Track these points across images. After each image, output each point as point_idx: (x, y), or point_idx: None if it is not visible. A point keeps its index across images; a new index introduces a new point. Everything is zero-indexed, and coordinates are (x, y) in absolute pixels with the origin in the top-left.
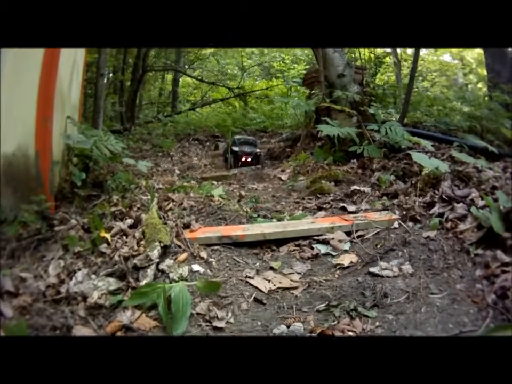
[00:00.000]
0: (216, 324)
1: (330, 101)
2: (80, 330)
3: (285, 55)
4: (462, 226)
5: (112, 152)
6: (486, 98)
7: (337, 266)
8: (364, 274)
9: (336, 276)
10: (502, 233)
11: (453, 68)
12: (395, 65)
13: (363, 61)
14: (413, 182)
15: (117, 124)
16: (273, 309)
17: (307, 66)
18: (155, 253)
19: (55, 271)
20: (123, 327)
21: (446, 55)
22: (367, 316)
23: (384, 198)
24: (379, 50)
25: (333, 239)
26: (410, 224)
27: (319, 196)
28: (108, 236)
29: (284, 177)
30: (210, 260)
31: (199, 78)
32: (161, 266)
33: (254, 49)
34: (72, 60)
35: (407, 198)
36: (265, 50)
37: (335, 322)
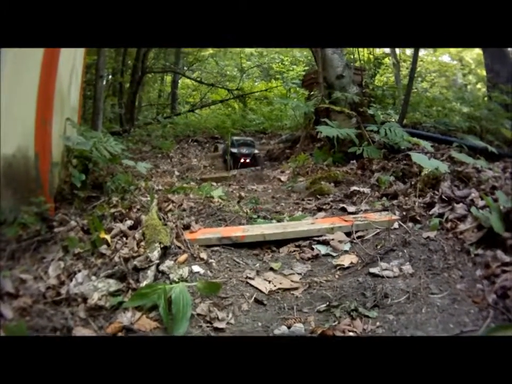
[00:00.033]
0: (217, 324)
1: (330, 102)
2: (81, 332)
3: (284, 56)
4: (462, 227)
5: (111, 153)
6: (485, 98)
7: (338, 267)
8: (364, 275)
9: (337, 276)
10: (502, 233)
11: (452, 69)
12: (394, 66)
13: (362, 62)
14: (412, 182)
15: (116, 126)
16: (273, 310)
17: (306, 68)
18: (155, 254)
19: (55, 273)
20: (123, 328)
21: (445, 56)
22: (367, 316)
23: (384, 198)
24: (378, 51)
25: (333, 239)
26: (410, 224)
27: (318, 196)
28: (107, 237)
29: (283, 178)
30: (211, 260)
31: (198, 79)
32: (162, 268)
33: (253, 50)
34: (72, 62)
35: (406, 198)
36: (264, 51)
37: (336, 322)
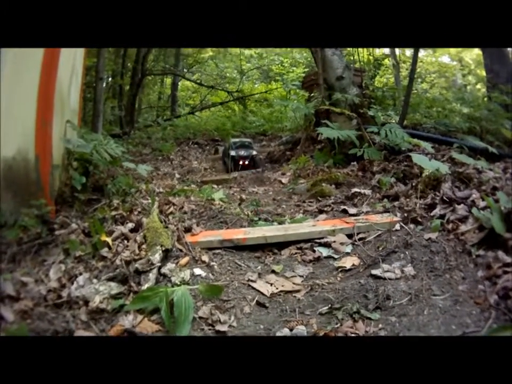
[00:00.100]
0: (219, 327)
1: (330, 103)
2: (82, 335)
3: (283, 58)
4: (463, 228)
5: (112, 156)
6: (485, 99)
7: (339, 269)
8: (366, 277)
9: (339, 278)
10: (503, 234)
11: (451, 69)
12: (394, 67)
13: (362, 63)
14: (413, 184)
15: (116, 128)
16: (275, 312)
17: (306, 69)
18: (157, 257)
19: (56, 275)
20: (125, 331)
21: (445, 57)
22: (370, 318)
23: (385, 200)
24: (378, 52)
25: (334, 241)
26: (412, 226)
27: (319, 198)
28: (108, 240)
29: (284, 180)
30: (212, 263)
31: (198, 81)
32: (163, 270)
33: (252, 52)
34: (71, 64)
35: (408, 200)
36: (264, 53)
37: (338, 325)
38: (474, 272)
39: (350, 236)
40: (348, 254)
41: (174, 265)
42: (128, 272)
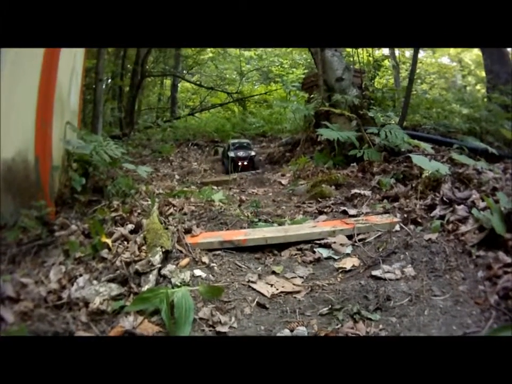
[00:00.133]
0: (220, 328)
1: (330, 104)
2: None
3: (283, 59)
4: (463, 228)
5: (112, 157)
6: (485, 99)
7: (340, 270)
8: (367, 278)
9: (339, 279)
10: (503, 234)
11: (451, 70)
12: (393, 68)
13: (362, 64)
14: (413, 184)
15: (116, 130)
16: (276, 313)
17: (305, 71)
18: (157, 258)
19: (56, 277)
20: (126, 332)
21: (444, 57)
22: (370, 319)
23: (385, 201)
24: (377, 54)
25: (334, 242)
26: (412, 227)
27: (319, 199)
28: (108, 241)
29: (284, 181)
30: (212, 264)
31: (198, 83)
32: (163, 272)
33: (252, 53)
34: (71, 65)
35: (407, 201)
36: (264, 55)
37: (339, 325)
38: (474, 273)
39: (350, 237)
40: (348, 255)
41: (174, 266)
42: (128, 273)
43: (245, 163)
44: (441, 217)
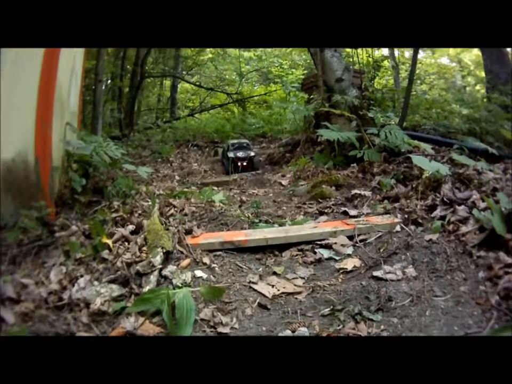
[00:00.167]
0: (221, 329)
1: (329, 105)
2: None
3: (282, 60)
4: (464, 229)
5: (112, 158)
6: (485, 100)
7: (341, 271)
8: (368, 278)
9: (340, 280)
10: (504, 235)
11: (450, 71)
12: (393, 69)
13: (361, 65)
14: (413, 185)
15: (115, 130)
16: (277, 314)
17: (305, 71)
18: (158, 259)
19: (57, 278)
20: (127, 333)
21: (444, 58)
22: (372, 320)
23: (385, 201)
24: (377, 54)
25: (335, 243)
26: (412, 227)
27: (320, 200)
28: (109, 242)
29: (284, 182)
30: (213, 265)
31: (197, 83)
32: (164, 272)
33: (251, 54)
34: (71, 66)
35: (408, 201)
36: (263, 55)
37: (340, 326)
38: (475, 273)
39: (350, 238)
40: (349, 255)
41: (175, 267)
42: (129, 274)
43: (245, 163)
44: (442, 217)
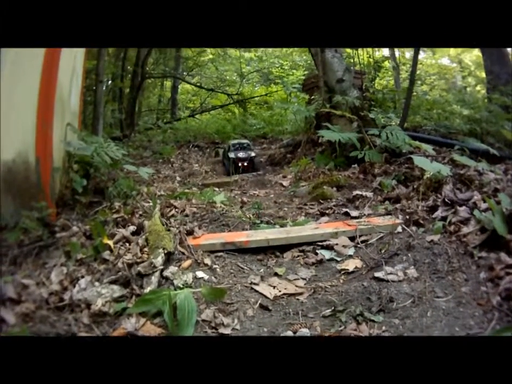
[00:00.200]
0: (222, 330)
1: (330, 106)
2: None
3: (283, 61)
4: (465, 230)
5: (112, 158)
6: (485, 100)
7: (342, 272)
8: (369, 279)
9: (341, 281)
10: (505, 235)
11: (451, 71)
12: (394, 70)
13: (362, 65)
14: (415, 186)
15: (116, 131)
16: (279, 315)
17: (306, 72)
18: (159, 260)
19: (58, 278)
20: (128, 334)
21: (444, 58)
22: (373, 321)
23: (387, 202)
24: (377, 55)
25: (337, 244)
26: (414, 228)
27: (321, 201)
28: (110, 242)
29: (285, 183)
30: (215, 266)
31: (198, 84)
32: (165, 273)
33: (252, 55)
34: (72, 67)
35: (409, 202)
36: (264, 56)
37: (342, 327)
38: (476, 274)
39: (352, 239)
40: (350, 256)
41: (176, 268)
42: (130, 275)
43: (245, 164)
44: (443, 218)
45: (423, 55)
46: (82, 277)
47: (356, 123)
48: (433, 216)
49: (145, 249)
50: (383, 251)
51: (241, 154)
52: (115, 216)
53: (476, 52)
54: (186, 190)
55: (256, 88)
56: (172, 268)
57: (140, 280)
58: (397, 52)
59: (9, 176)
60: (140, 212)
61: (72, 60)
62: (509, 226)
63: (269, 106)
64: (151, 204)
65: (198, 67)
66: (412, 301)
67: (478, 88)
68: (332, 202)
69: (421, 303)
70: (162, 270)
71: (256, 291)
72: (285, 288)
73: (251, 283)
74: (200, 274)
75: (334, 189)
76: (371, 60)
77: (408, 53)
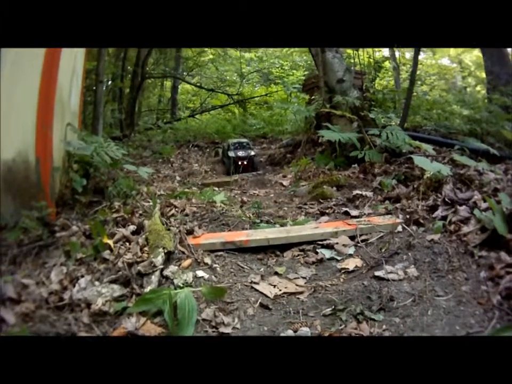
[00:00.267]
0: (223, 329)
1: (331, 106)
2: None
3: (283, 61)
4: (465, 229)
5: (112, 158)
6: (486, 101)
7: (342, 271)
8: (370, 278)
9: (342, 280)
10: (505, 235)
11: (451, 71)
12: (394, 70)
13: (362, 66)
14: (415, 185)
15: (116, 131)
16: (279, 314)
17: (306, 72)
18: (159, 259)
19: (58, 278)
20: (128, 334)
21: (445, 59)
22: (373, 320)
23: (387, 202)
24: (378, 55)
25: (337, 243)
26: (414, 227)
27: (321, 201)
28: (110, 242)
29: (285, 182)
30: (215, 265)
31: (198, 84)
32: (166, 273)
33: (252, 55)
34: (72, 67)
35: (409, 201)
36: (264, 56)
37: (342, 326)
38: (477, 273)
39: (352, 238)
40: (350, 255)
41: (176, 267)
42: (130, 274)
43: (245, 163)
44: (443, 218)
45: (423, 55)
46: (82, 276)
47: (356, 123)
48: (434, 215)
49: (145, 248)
50: (383, 250)
51: (241, 153)
52: (115, 215)
53: (476, 52)
54: (186, 190)
55: (256, 88)
56: (172, 267)
57: (140, 279)
58: (397, 52)
59: (9, 176)
60: (140, 211)
61: (72, 60)
62: (509, 225)
63: (269, 106)
64: (151, 203)
65: (198, 67)
66: (412, 300)
67: (478, 88)
68: (332, 201)
69: (421, 302)
70: (162, 269)
71: (257, 290)
72: (285, 287)
73: (251, 282)
74: (200, 273)
75: (334, 188)
76: (371, 60)
77: (408, 53)
